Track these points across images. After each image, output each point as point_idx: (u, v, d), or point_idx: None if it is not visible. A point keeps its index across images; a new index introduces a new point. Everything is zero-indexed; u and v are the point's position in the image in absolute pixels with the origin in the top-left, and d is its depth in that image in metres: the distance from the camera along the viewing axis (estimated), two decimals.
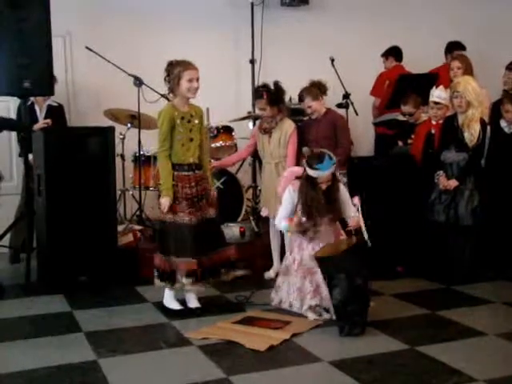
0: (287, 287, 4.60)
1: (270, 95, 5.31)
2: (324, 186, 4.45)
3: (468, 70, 6.12)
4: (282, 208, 4.65)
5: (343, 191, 4.62)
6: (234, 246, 4.74)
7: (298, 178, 4.62)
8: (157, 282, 4.53)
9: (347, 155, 5.47)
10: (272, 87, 5.33)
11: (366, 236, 4.40)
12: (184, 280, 4.41)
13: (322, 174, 4.41)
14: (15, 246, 6.02)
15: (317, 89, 5.44)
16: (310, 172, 4.43)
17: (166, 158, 4.41)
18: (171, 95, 4.53)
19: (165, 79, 4.45)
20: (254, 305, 4.73)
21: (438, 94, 5.63)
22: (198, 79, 4.40)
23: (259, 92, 5.38)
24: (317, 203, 4.45)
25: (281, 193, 4.76)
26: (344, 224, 4.65)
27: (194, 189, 4.46)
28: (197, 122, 4.50)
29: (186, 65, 4.38)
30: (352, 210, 4.56)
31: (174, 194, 4.40)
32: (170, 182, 4.39)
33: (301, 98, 5.54)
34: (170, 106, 4.47)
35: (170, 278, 4.46)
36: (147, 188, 6.28)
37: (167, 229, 4.47)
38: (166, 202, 4.37)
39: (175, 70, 4.36)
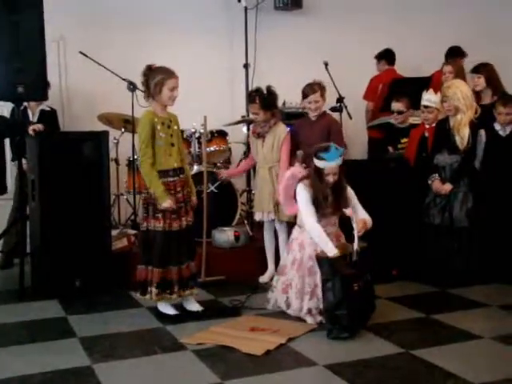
0: (281, 286, 4.61)
1: (262, 100, 5.30)
2: (331, 179, 4.41)
3: (459, 75, 6.13)
4: (306, 208, 4.47)
5: (350, 192, 4.58)
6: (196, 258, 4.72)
7: (300, 180, 4.59)
8: (137, 294, 4.56)
9: None
10: (265, 92, 5.34)
11: (355, 247, 4.29)
12: (154, 290, 4.41)
13: (328, 164, 4.38)
14: (6, 250, 6.01)
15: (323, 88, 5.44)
16: (317, 163, 4.41)
17: (150, 166, 4.36)
18: (149, 100, 4.46)
19: (143, 83, 4.42)
20: (249, 309, 4.73)
21: (427, 97, 5.67)
22: (178, 87, 4.39)
23: (252, 97, 5.37)
24: (322, 196, 4.43)
25: (281, 191, 4.74)
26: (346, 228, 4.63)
27: (180, 194, 4.45)
28: (176, 127, 4.49)
29: (169, 73, 4.36)
30: (362, 212, 4.53)
31: (155, 203, 4.39)
32: (161, 186, 4.35)
33: (306, 93, 5.40)
34: (149, 112, 4.42)
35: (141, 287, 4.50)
36: (141, 193, 6.25)
37: (148, 238, 4.47)
38: (168, 203, 4.33)
39: (157, 76, 4.34)
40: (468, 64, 6.51)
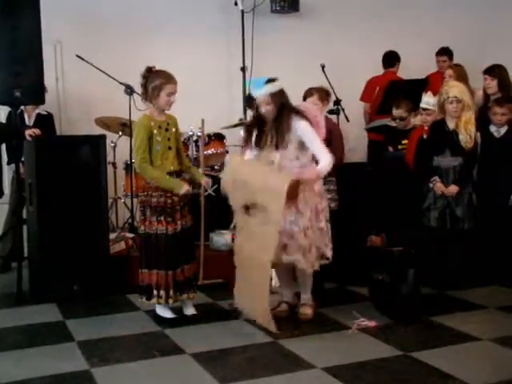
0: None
1: None
2: (263, 110, 4.42)
3: (460, 79, 6.06)
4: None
5: (302, 129, 4.47)
6: (196, 261, 4.70)
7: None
8: (143, 299, 4.55)
9: (336, 164, 5.45)
10: None
11: None
12: (162, 293, 4.41)
13: (254, 93, 4.47)
14: (3, 254, 6.00)
15: (324, 93, 5.46)
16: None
17: (150, 166, 4.36)
18: (146, 103, 4.48)
19: (141, 85, 4.42)
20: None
21: (425, 100, 5.66)
22: (175, 93, 4.40)
23: None
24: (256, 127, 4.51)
25: None
26: None
27: (176, 197, 4.43)
28: (174, 130, 4.49)
29: (168, 78, 4.36)
30: (316, 147, 4.52)
31: (151, 205, 4.39)
32: (171, 178, 4.37)
33: (304, 95, 5.46)
34: (145, 116, 4.43)
35: (146, 292, 4.48)
36: (139, 196, 6.25)
37: (145, 241, 4.47)
38: (185, 189, 4.35)
39: (156, 80, 4.34)
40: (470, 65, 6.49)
